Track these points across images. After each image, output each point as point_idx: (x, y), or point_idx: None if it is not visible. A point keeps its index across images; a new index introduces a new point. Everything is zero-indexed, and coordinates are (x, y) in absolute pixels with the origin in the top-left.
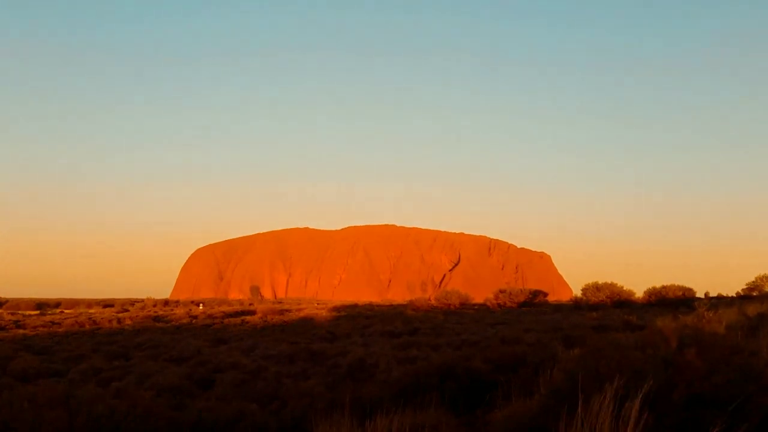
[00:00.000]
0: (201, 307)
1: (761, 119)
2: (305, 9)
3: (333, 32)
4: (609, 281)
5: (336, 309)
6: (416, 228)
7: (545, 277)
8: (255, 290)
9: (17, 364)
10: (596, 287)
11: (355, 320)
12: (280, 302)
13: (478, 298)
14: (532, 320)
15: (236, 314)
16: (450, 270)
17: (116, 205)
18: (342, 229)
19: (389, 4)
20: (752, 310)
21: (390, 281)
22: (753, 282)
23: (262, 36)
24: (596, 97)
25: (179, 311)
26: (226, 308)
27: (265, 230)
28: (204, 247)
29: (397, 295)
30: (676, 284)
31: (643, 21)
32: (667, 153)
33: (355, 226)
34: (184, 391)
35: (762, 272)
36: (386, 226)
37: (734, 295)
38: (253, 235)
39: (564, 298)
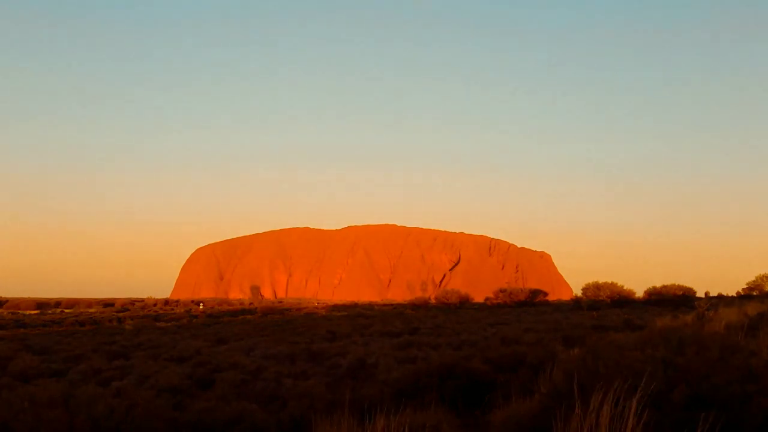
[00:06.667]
0: (201, 307)
1: (762, 118)
2: (305, 4)
3: (333, 30)
4: (609, 281)
5: (336, 309)
6: (416, 228)
7: (545, 276)
8: (255, 290)
9: (17, 364)
10: (596, 286)
11: (355, 320)
12: (281, 302)
13: (478, 297)
14: (532, 320)
15: (236, 314)
16: (450, 270)
17: (116, 205)
18: (342, 229)
19: (388, 2)
20: (752, 309)
21: (390, 281)
22: (753, 281)
23: (262, 34)
24: (596, 95)
25: (179, 311)
26: (226, 308)
27: (265, 230)
28: (204, 246)
29: (397, 295)
30: (676, 283)
31: (645, 17)
32: (668, 152)
33: (355, 226)
34: (184, 391)
35: (762, 272)
36: (386, 226)
37: (734, 295)
38: (253, 235)
39: (564, 297)
